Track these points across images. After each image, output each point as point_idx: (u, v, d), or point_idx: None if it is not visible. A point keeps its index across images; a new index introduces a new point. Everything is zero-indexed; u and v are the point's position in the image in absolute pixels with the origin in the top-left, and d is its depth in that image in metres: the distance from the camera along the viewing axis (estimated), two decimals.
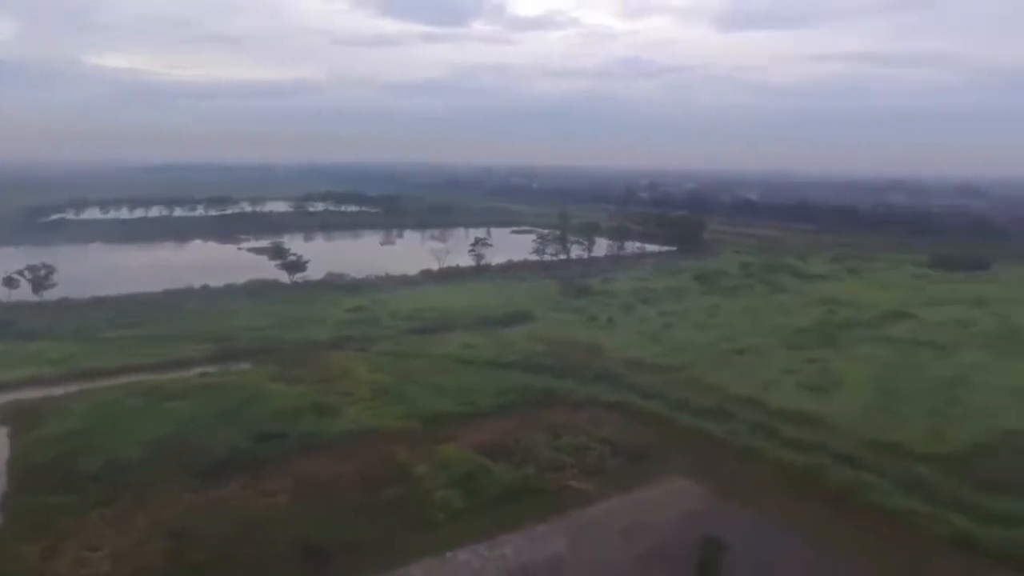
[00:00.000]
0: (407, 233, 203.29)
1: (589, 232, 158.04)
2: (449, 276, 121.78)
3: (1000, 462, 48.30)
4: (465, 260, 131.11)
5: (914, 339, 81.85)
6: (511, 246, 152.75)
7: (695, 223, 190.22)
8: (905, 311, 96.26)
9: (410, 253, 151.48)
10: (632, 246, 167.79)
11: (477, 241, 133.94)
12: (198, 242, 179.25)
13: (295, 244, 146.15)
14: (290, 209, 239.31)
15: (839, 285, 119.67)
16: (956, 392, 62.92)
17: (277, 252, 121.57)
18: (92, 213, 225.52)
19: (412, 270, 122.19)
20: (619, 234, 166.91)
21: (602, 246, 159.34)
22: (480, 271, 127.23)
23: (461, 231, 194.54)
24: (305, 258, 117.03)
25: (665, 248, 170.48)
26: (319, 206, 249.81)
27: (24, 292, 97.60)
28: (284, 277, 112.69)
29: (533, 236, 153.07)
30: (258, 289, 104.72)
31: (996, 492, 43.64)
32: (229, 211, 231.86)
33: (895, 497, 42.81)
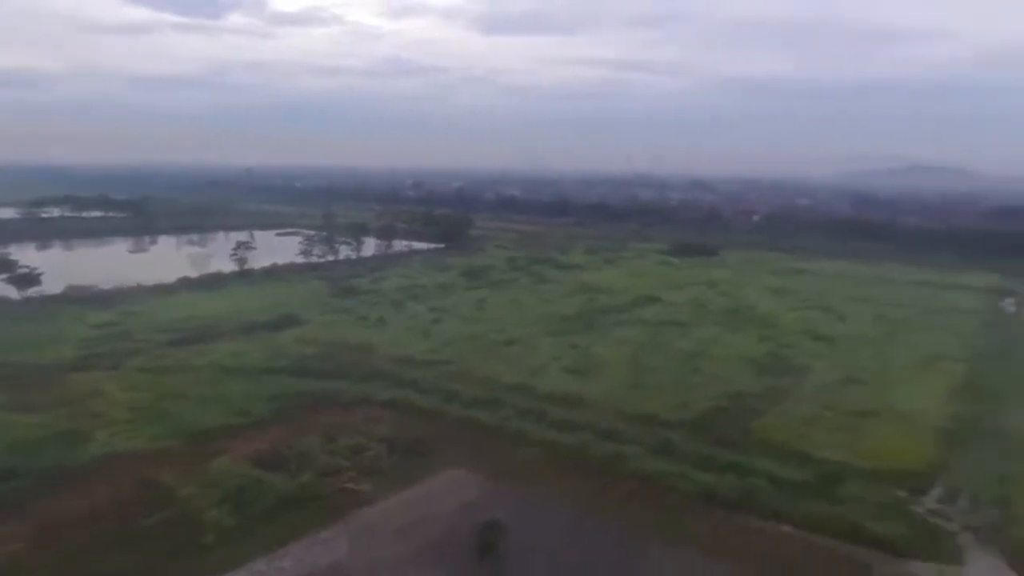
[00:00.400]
0: (162, 239, 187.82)
1: (356, 232, 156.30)
2: (211, 283, 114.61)
3: (732, 421, 55.36)
4: (227, 265, 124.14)
5: (661, 320, 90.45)
6: (276, 249, 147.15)
7: (461, 220, 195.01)
8: (653, 295, 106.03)
9: (166, 260, 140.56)
10: (400, 244, 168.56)
11: (239, 245, 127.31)
12: None
13: (26, 255, 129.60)
14: (18, 215, 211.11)
15: (596, 274, 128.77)
16: (696, 364, 70.72)
17: (3, 265, 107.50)
18: None
19: (169, 278, 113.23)
20: (387, 233, 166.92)
21: (370, 246, 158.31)
22: (244, 276, 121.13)
23: (221, 235, 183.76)
24: (39, 270, 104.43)
25: (433, 245, 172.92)
26: (55, 212, 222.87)
27: None
28: (13, 293, 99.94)
29: (299, 238, 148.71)
30: None
31: (729, 447, 49.88)
32: None
33: (650, 462, 47.10)
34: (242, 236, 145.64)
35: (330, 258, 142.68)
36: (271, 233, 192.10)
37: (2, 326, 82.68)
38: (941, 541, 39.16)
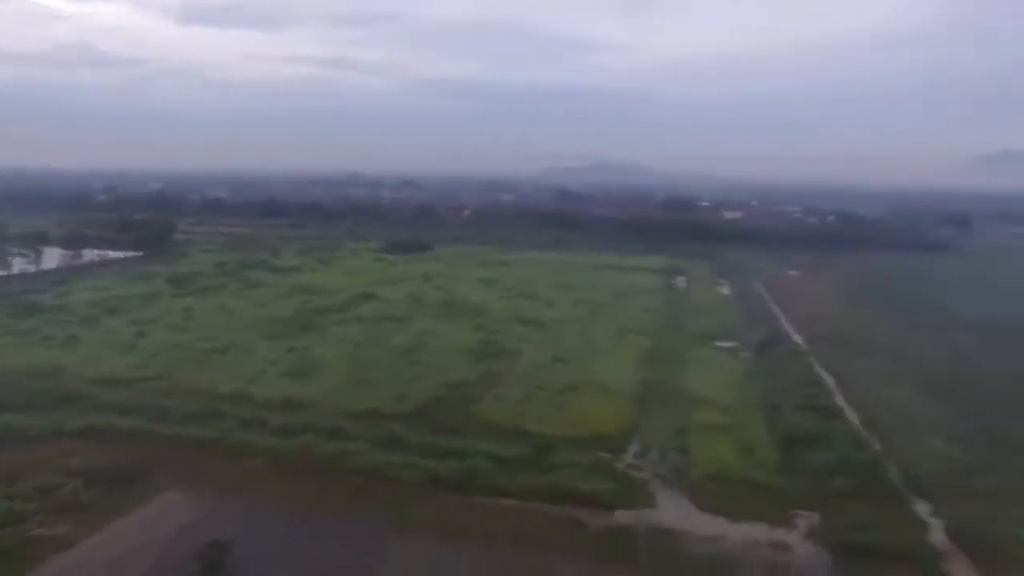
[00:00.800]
0: None
1: (34, 242, 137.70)
2: None
3: (452, 408, 57.84)
4: None
5: (379, 316, 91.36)
6: None
7: (163, 225, 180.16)
8: (369, 293, 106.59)
9: None
10: (92, 254, 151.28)
11: None
12: None
13: None
14: None
15: (312, 275, 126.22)
16: (415, 356, 72.63)
17: None
18: None
19: None
20: (73, 242, 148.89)
21: (54, 256, 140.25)
22: None
23: None
24: None
25: (131, 253, 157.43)
26: None
27: None
28: None
29: None
30: None
31: (449, 434, 52.09)
32: None
33: (375, 456, 47.60)
34: None
35: (1, 273, 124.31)
36: None
37: None
38: (638, 490, 44.58)
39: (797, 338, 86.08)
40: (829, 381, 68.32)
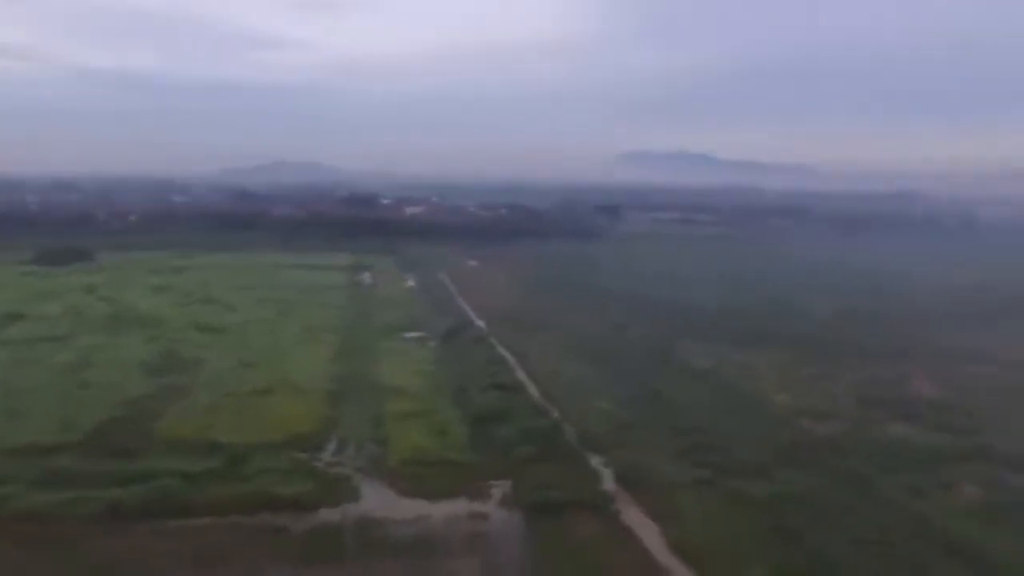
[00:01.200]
0: None
1: None
2: None
3: (131, 428, 52.84)
4: None
5: (31, 336, 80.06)
6: None
7: None
8: (17, 311, 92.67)
9: None
10: None
11: None
12: None
13: None
14: None
15: None
16: (81, 376, 65.02)
17: None
18: None
19: None
20: None
21: None
22: None
23: None
24: None
25: None
26: None
27: None
28: None
29: None
30: None
31: (132, 456, 47.66)
32: None
33: (36, 496, 41.73)
34: None
35: None
36: None
37: None
38: (340, 486, 44.63)
39: (480, 323, 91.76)
40: (511, 360, 73.95)
